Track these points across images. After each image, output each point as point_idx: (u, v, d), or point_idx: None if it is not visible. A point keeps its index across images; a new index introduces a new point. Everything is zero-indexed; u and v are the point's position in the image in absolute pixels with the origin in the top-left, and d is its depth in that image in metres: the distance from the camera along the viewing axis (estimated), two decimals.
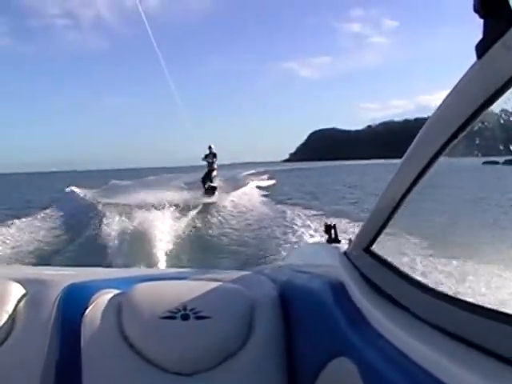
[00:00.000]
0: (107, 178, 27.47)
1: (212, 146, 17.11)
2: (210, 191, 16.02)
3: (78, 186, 20.69)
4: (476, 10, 0.61)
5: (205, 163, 17.07)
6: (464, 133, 0.72)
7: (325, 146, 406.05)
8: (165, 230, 9.13)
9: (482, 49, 0.63)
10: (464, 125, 0.70)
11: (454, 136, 0.73)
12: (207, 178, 16.66)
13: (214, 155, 17.02)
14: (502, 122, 0.70)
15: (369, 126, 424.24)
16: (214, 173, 16.83)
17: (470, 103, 0.67)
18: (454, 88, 0.71)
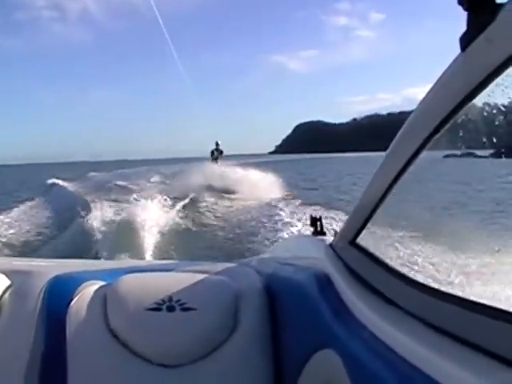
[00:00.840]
0: (89, 170, 27.22)
1: (219, 143, 17.82)
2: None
3: (58, 178, 20.63)
4: (460, 3, 0.61)
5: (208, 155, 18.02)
6: (447, 126, 0.72)
7: (310, 138, 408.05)
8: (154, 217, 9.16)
9: (465, 41, 0.63)
10: (447, 118, 0.70)
11: (438, 129, 0.73)
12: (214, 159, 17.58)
13: (221, 152, 17.74)
14: (485, 114, 0.70)
15: (354, 119, 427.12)
16: (218, 164, 17.43)
17: (453, 96, 0.67)
18: (437, 81, 0.71)
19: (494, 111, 0.71)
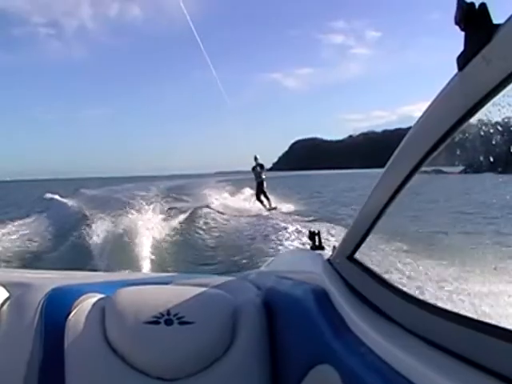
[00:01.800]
0: (79, 186, 27.14)
1: (258, 157, 16.22)
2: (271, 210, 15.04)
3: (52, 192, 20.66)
4: (457, 23, 0.61)
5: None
6: (445, 144, 0.73)
7: (307, 155, 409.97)
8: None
9: (462, 61, 0.63)
10: (445, 136, 0.71)
11: (435, 147, 0.74)
12: (260, 191, 15.80)
13: (262, 166, 16.21)
14: (482, 134, 0.71)
15: (350, 136, 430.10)
16: (265, 184, 15.88)
17: (450, 115, 0.68)
18: (435, 99, 0.72)
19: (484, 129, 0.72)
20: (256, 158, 16.25)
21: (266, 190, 15.86)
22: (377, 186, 0.94)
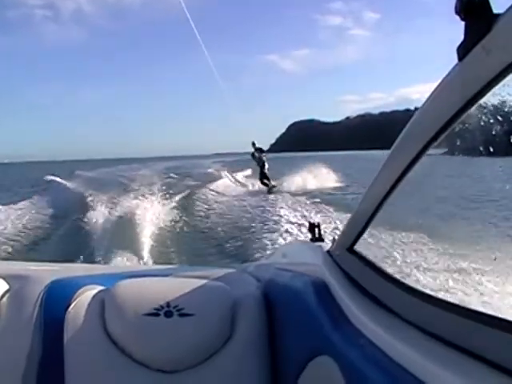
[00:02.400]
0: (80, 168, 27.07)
1: (255, 142, 16.51)
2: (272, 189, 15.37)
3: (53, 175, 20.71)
4: (457, 13, 0.61)
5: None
6: (445, 134, 0.72)
7: (304, 136, 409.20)
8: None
9: (463, 51, 0.63)
10: (445, 126, 0.71)
11: (436, 137, 0.73)
12: (263, 175, 16.02)
13: (261, 150, 16.51)
14: (482, 124, 0.70)
15: (347, 118, 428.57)
16: (266, 166, 16.11)
17: (451, 105, 0.68)
18: (435, 89, 0.72)
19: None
20: (254, 144, 16.40)
21: (267, 171, 16.06)
22: (377, 177, 0.94)
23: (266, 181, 15.84)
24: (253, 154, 16.39)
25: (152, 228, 8.62)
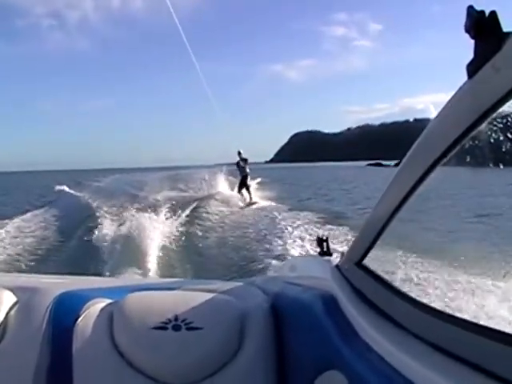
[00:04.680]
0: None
1: (241, 152, 16.26)
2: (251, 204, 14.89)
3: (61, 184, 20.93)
4: (467, 31, 0.61)
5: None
6: (454, 151, 0.72)
7: (305, 147, 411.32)
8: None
9: (472, 69, 0.63)
10: (455, 143, 0.71)
11: (445, 154, 0.74)
12: (242, 184, 15.86)
13: (245, 160, 16.22)
14: (492, 140, 0.71)
15: (348, 129, 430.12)
16: (248, 179, 15.98)
17: (460, 123, 0.68)
18: (444, 107, 0.72)
19: None
20: (239, 153, 16.30)
21: (249, 183, 16.01)
22: (386, 191, 0.94)
23: (244, 192, 15.72)
24: (237, 163, 16.24)
25: (159, 240, 8.61)
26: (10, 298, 1.39)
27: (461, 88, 0.67)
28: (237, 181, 16.88)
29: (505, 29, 0.58)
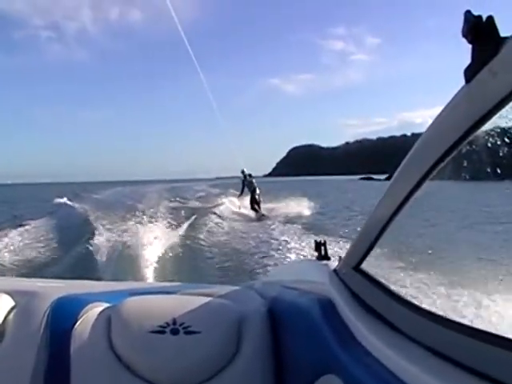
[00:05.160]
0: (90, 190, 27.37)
1: (244, 170, 17.27)
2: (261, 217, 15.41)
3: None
4: (465, 36, 0.62)
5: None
6: (452, 155, 0.73)
7: (303, 161, 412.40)
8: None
9: (469, 73, 0.64)
10: (452, 148, 0.71)
11: (442, 159, 0.74)
12: (253, 200, 16.41)
13: (250, 175, 17.18)
14: (489, 145, 0.71)
15: (346, 143, 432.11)
16: (257, 191, 16.53)
17: (457, 127, 0.68)
18: (441, 112, 0.72)
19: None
20: (243, 171, 17.29)
21: (257, 196, 16.49)
22: (384, 196, 0.95)
23: (256, 206, 16.14)
24: (243, 181, 17.21)
25: (158, 253, 8.58)
26: (8, 302, 1.39)
27: (458, 92, 0.68)
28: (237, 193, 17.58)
29: (502, 33, 0.59)
